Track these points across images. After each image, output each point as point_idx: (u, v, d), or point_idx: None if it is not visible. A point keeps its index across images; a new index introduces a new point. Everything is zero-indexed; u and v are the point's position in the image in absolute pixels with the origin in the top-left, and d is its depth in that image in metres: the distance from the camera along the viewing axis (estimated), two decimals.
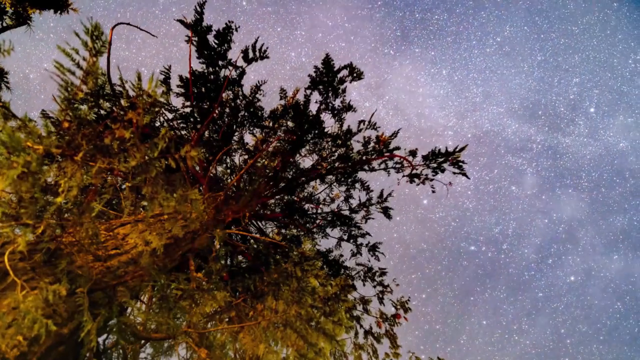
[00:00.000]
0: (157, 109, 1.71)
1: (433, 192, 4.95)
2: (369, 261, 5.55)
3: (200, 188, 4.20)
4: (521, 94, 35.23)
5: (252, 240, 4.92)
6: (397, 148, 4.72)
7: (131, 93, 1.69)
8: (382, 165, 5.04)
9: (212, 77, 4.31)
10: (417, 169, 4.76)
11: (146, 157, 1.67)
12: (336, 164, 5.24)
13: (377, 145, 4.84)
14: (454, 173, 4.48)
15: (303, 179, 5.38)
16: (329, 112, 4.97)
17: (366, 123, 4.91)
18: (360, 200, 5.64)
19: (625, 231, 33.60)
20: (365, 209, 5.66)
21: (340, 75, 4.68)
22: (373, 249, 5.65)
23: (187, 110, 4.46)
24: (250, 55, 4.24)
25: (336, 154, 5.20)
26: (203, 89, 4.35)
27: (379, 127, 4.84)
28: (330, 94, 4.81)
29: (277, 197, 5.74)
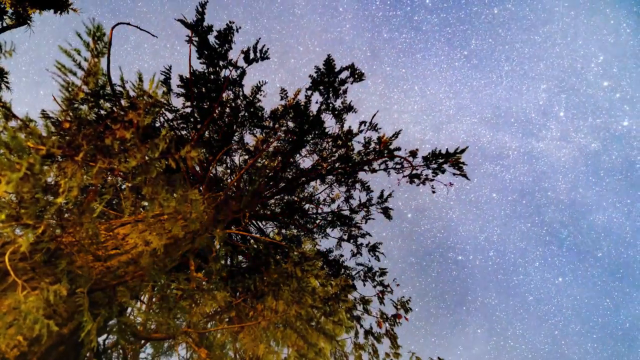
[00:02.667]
0: (157, 109, 1.71)
1: (433, 192, 4.95)
2: (369, 261, 5.55)
3: (200, 188, 4.20)
4: (492, 103, 36.29)
5: (252, 240, 4.92)
6: (398, 149, 4.72)
7: (132, 93, 1.69)
8: (383, 166, 5.03)
9: (212, 77, 4.30)
10: (417, 170, 4.76)
11: (146, 158, 1.67)
12: (336, 165, 5.24)
13: (377, 146, 4.84)
14: (454, 174, 4.47)
15: (303, 179, 5.38)
16: (330, 112, 4.97)
17: (367, 124, 4.91)
18: (360, 200, 5.63)
19: (606, 228, 33.97)
20: (365, 209, 5.66)
21: (341, 76, 4.68)
22: (373, 249, 5.65)
23: (188, 110, 4.46)
24: (252, 56, 4.24)
25: (337, 154, 5.20)
26: (203, 89, 4.35)
27: (380, 129, 4.84)
28: (331, 95, 4.81)
29: (277, 197, 5.73)
